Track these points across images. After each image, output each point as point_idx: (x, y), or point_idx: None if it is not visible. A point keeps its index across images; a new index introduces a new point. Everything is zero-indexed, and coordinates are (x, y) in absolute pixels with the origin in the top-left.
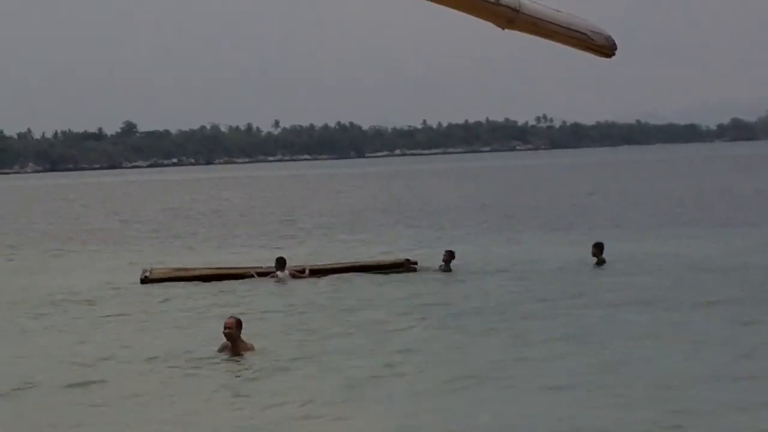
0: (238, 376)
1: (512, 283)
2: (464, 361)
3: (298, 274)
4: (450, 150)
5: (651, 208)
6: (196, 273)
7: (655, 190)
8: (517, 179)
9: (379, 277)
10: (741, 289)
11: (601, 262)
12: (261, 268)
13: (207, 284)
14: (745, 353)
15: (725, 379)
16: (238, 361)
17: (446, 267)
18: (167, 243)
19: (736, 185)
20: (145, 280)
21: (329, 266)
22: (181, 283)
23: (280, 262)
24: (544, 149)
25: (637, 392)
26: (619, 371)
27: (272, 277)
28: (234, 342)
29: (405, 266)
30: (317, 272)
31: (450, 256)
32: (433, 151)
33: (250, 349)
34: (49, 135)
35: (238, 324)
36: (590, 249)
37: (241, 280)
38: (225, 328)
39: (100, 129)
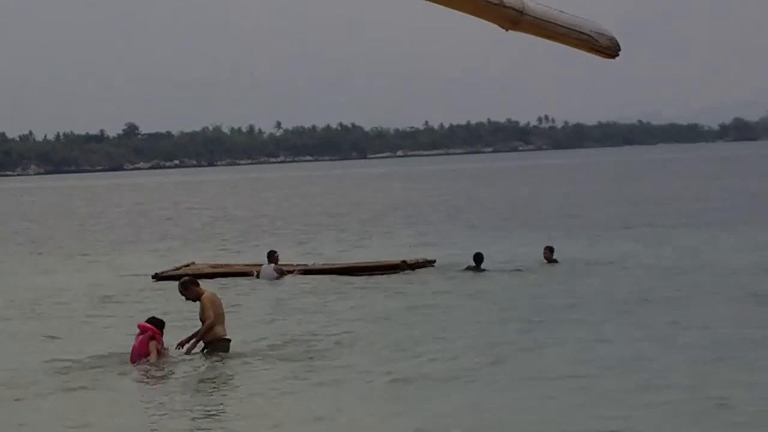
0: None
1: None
2: None
3: (287, 271)
4: (452, 151)
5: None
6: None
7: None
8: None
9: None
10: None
11: (552, 262)
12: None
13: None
14: None
15: None
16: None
17: (551, 260)
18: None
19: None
20: (156, 277)
21: (322, 267)
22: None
23: (271, 255)
24: (546, 149)
25: None
26: None
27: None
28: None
29: (400, 267)
30: (309, 272)
31: (550, 251)
32: (435, 152)
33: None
34: (51, 137)
35: (185, 285)
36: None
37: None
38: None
39: (101, 131)
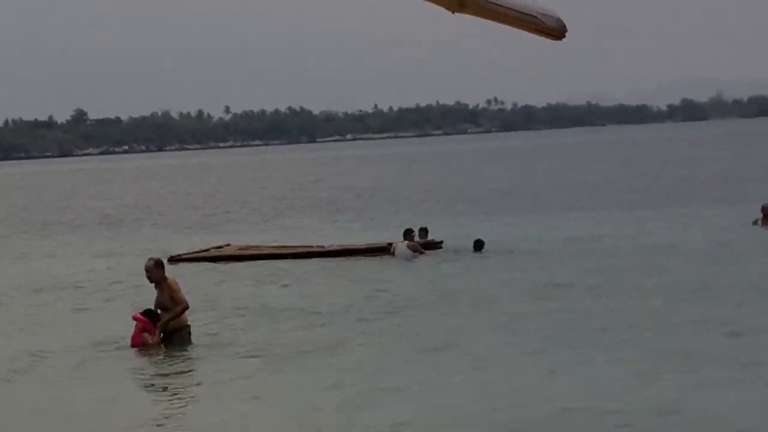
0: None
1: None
2: None
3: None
4: (401, 134)
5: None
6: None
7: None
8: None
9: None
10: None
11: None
12: (330, 246)
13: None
14: None
15: None
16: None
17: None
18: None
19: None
20: (172, 260)
21: (297, 251)
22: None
23: (408, 233)
24: (495, 132)
25: None
26: None
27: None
28: (160, 284)
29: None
30: (281, 256)
31: (425, 233)
32: (384, 135)
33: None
34: None
35: (157, 265)
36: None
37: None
38: (146, 271)
39: (50, 117)
